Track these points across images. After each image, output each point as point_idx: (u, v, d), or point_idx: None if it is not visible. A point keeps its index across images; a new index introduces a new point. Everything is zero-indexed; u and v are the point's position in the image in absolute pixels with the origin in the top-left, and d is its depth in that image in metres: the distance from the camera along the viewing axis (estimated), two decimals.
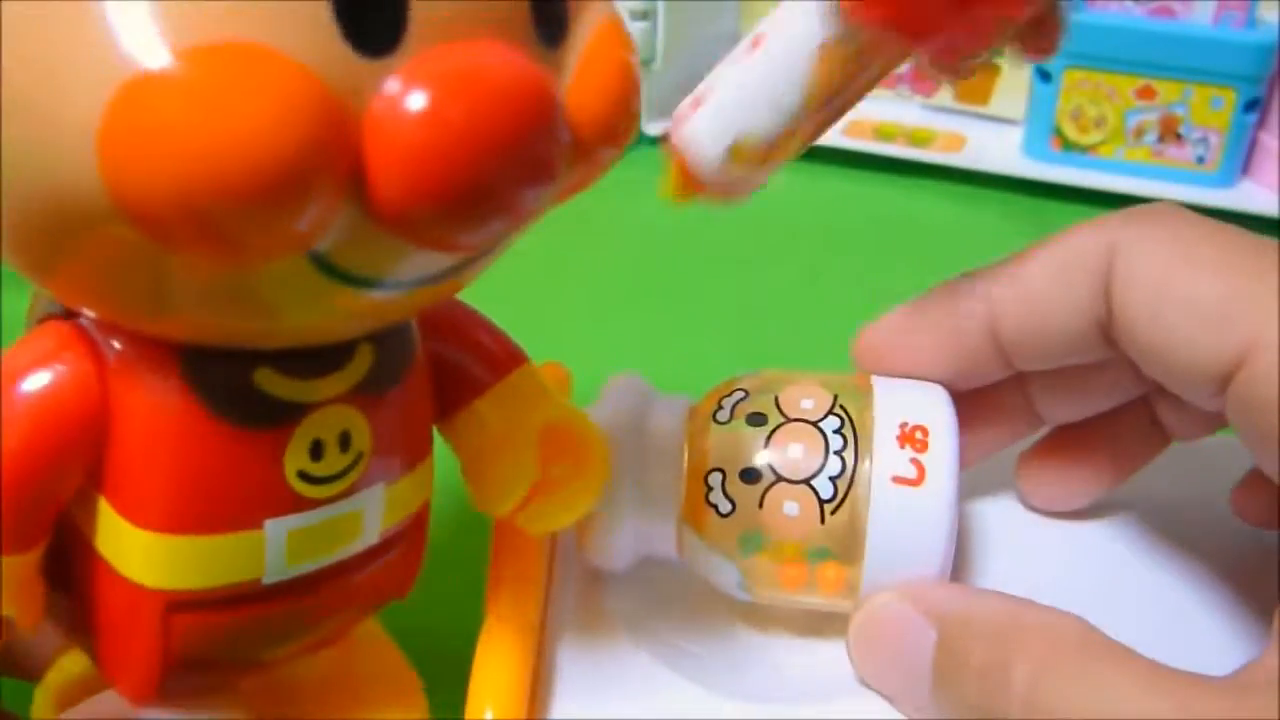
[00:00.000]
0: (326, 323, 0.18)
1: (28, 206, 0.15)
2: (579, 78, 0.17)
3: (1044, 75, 0.56)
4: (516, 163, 0.16)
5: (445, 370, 0.22)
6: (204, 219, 0.14)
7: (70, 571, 0.20)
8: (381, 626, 0.27)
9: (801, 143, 0.25)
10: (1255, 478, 0.27)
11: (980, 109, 0.60)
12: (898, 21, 0.22)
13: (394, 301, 0.18)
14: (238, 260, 0.15)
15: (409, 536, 0.22)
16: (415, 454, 0.21)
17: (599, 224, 0.53)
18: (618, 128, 0.18)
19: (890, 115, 0.61)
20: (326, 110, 0.14)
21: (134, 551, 0.19)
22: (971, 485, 0.29)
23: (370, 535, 0.21)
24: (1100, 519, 0.29)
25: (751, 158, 0.24)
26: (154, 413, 0.18)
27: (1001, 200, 0.56)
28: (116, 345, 0.18)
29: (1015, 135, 0.58)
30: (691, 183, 0.25)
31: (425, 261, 0.17)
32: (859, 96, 0.24)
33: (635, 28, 0.56)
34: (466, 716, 0.23)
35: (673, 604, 0.27)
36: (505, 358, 0.23)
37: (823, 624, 0.26)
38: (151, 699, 0.20)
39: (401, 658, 0.26)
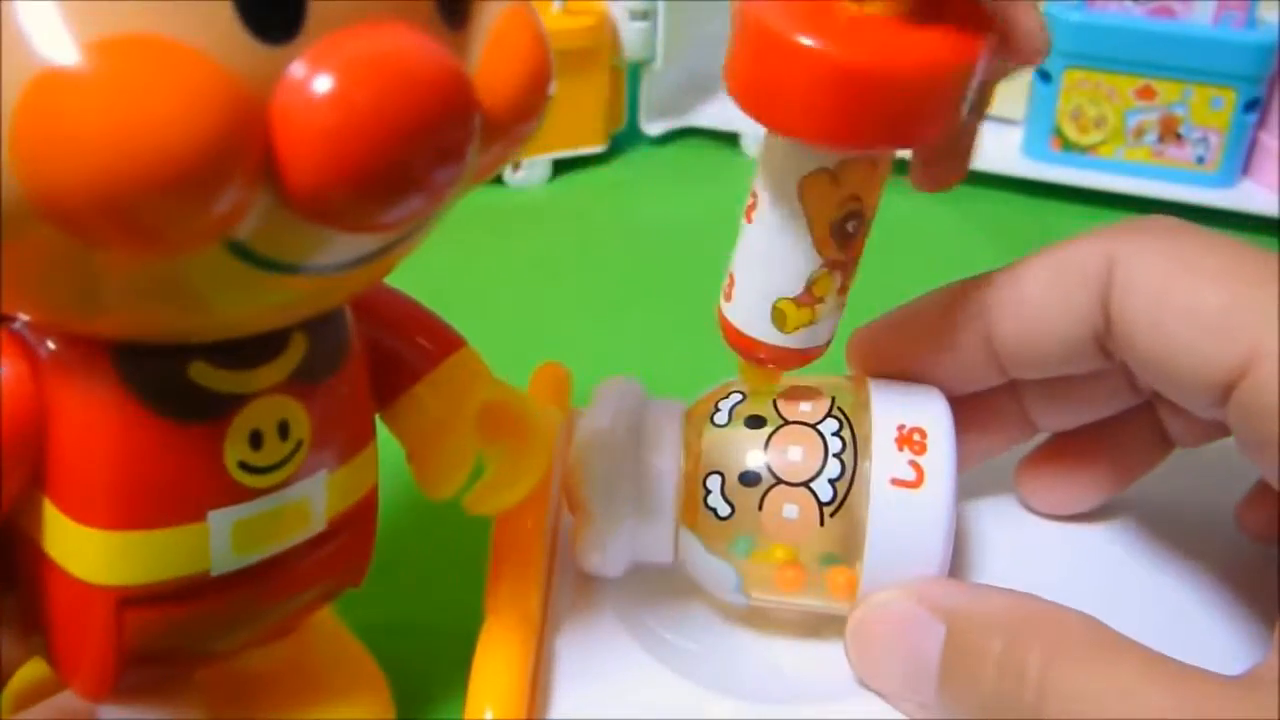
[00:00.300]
0: (256, 312, 0.18)
1: None
2: (487, 59, 0.17)
3: (1044, 75, 0.56)
4: (426, 143, 0.16)
5: (383, 358, 0.23)
6: (118, 212, 0.14)
7: (19, 574, 0.20)
8: (340, 620, 0.27)
9: (842, 273, 0.25)
10: (1260, 493, 0.27)
11: None
12: (831, 137, 0.22)
13: (322, 287, 0.18)
14: (156, 251, 0.15)
15: (357, 523, 0.22)
16: (356, 441, 0.22)
17: (598, 224, 0.53)
18: (528, 106, 0.18)
19: None
20: (232, 98, 0.14)
21: (81, 550, 0.19)
22: (970, 488, 0.29)
23: (317, 523, 0.21)
24: (1100, 522, 0.29)
25: (798, 313, 0.25)
26: (91, 411, 0.18)
27: (1001, 200, 0.56)
28: (50, 346, 0.18)
29: (1015, 135, 0.58)
30: (764, 361, 0.25)
31: (346, 244, 0.17)
32: (869, 209, 0.24)
33: (635, 28, 0.56)
34: (466, 716, 0.23)
35: (671, 603, 0.27)
36: (442, 343, 0.24)
37: (821, 625, 0.26)
38: (108, 696, 0.21)
39: (363, 650, 0.26)
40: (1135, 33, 0.53)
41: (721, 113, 0.61)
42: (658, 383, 0.35)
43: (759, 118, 0.22)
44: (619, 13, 0.56)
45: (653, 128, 0.60)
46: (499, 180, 0.54)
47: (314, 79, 0.15)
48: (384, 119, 0.15)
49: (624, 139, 0.60)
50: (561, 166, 0.56)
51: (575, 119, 0.56)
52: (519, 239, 0.50)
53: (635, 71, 0.59)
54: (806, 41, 0.21)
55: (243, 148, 0.15)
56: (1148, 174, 0.55)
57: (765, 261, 0.25)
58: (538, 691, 0.25)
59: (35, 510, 0.19)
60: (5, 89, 0.14)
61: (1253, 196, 0.54)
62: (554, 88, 0.18)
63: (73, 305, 0.17)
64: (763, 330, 0.25)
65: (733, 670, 0.26)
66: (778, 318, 0.25)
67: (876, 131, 0.22)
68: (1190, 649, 0.20)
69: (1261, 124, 0.54)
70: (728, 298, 0.26)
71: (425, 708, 0.27)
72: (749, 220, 0.25)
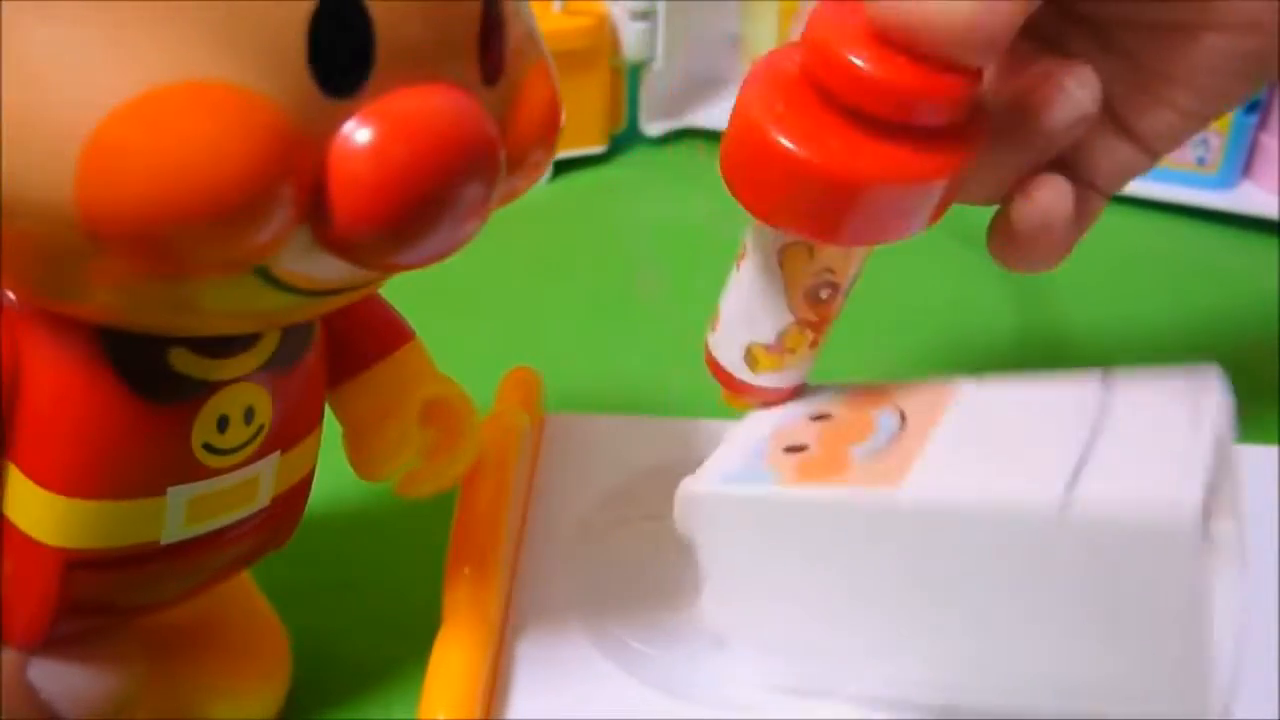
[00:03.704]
0: (246, 322, 0.19)
1: None
2: (511, 115, 0.19)
3: None
4: (453, 197, 0.17)
5: (338, 343, 0.24)
6: (163, 240, 0.15)
7: None
8: (249, 578, 0.27)
9: (814, 331, 0.26)
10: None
11: None
12: (800, 228, 0.24)
13: (322, 301, 0.19)
14: (183, 274, 0.16)
15: (295, 497, 0.23)
16: (310, 423, 0.23)
17: (598, 224, 0.53)
18: (541, 156, 0.20)
19: None
20: (286, 144, 0.16)
21: (35, 510, 0.20)
22: None
23: (263, 499, 0.22)
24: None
25: (768, 359, 0.26)
26: (66, 378, 0.19)
27: None
28: (28, 307, 0.19)
29: None
30: (736, 392, 0.27)
31: (360, 274, 0.18)
32: (844, 279, 0.26)
33: (635, 28, 0.56)
34: (420, 718, 0.23)
35: (634, 609, 0.28)
36: (395, 334, 0.25)
37: None
38: (37, 645, 0.21)
39: (267, 607, 0.27)
40: None
41: (721, 113, 0.60)
42: (657, 383, 0.35)
43: (738, 197, 0.24)
44: (619, 13, 0.56)
45: (653, 128, 0.60)
46: None
47: (358, 131, 0.16)
48: (416, 173, 0.16)
49: (624, 139, 0.59)
50: (561, 166, 0.56)
51: (575, 119, 0.56)
52: (519, 239, 0.50)
53: (635, 72, 0.59)
54: (777, 137, 0.22)
55: (292, 190, 0.16)
56: (1147, 175, 0.55)
57: (746, 308, 0.26)
58: (495, 695, 0.25)
59: None
60: (79, 121, 0.15)
61: (1253, 198, 0.54)
62: (563, 122, 0.20)
63: (51, 291, 0.17)
64: (736, 366, 0.27)
65: (694, 676, 0.26)
66: (750, 359, 0.26)
67: (842, 230, 0.23)
68: None
69: (1262, 125, 0.54)
70: (713, 329, 0.27)
71: (385, 707, 0.27)
72: (738, 267, 0.27)
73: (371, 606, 0.29)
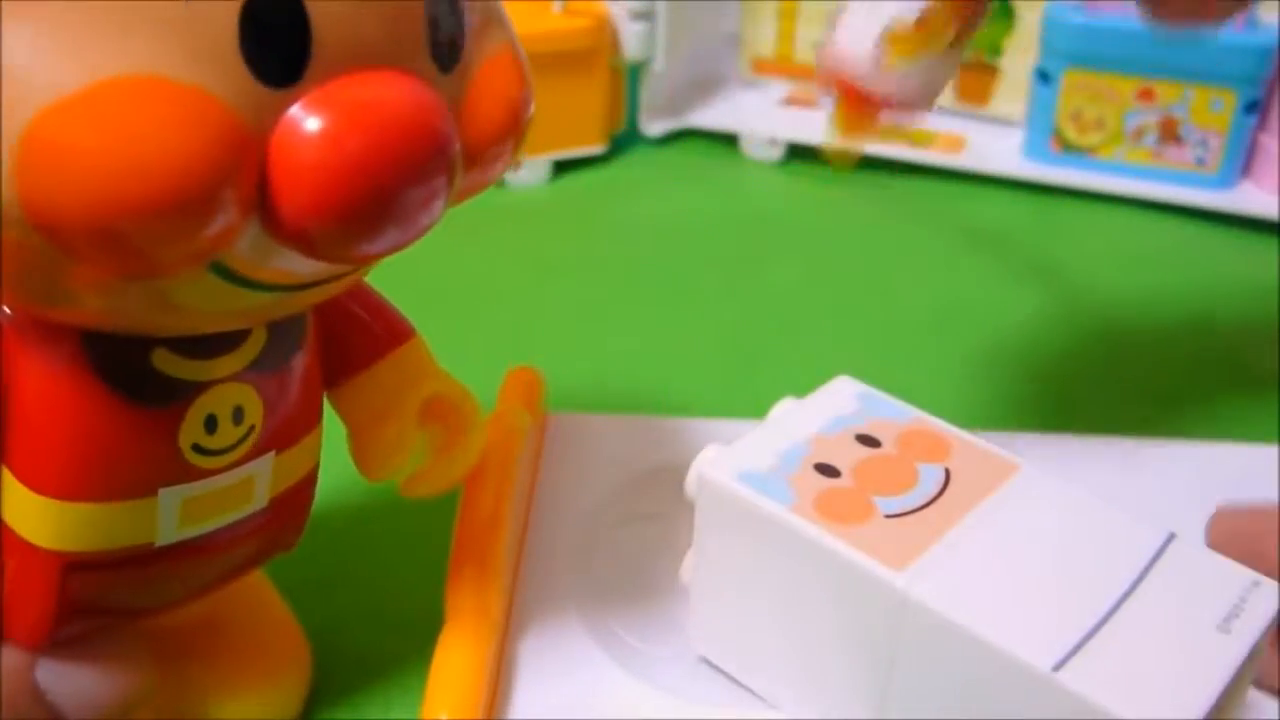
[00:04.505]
0: (225, 318, 0.19)
1: None
2: (470, 103, 0.19)
3: (1044, 77, 0.56)
4: (409, 187, 0.17)
5: (336, 342, 0.23)
6: (112, 236, 0.15)
7: None
8: (267, 578, 0.27)
9: (958, 24, 0.25)
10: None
11: (980, 110, 0.60)
12: None
13: (294, 298, 0.19)
14: (143, 273, 0.16)
15: (296, 498, 0.23)
16: (305, 424, 0.22)
17: (598, 224, 0.53)
18: (504, 149, 0.19)
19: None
20: (228, 134, 0.15)
21: (30, 514, 0.20)
22: None
23: (260, 500, 0.22)
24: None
25: (907, 43, 0.25)
26: (52, 384, 0.19)
27: (1001, 202, 0.56)
28: (10, 311, 0.19)
29: (1015, 136, 0.58)
30: (860, 103, 0.26)
31: (323, 267, 0.18)
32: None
33: (635, 28, 0.56)
34: (422, 717, 0.23)
35: (636, 608, 0.28)
36: (394, 332, 0.25)
37: None
38: (42, 645, 0.21)
39: (283, 607, 0.27)
40: (1135, 34, 0.53)
41: (721, 113, 0.61)
42: (657, 383, 0.35)
43: None
44: (619, 13, 0.56)
45: (653, 128, 0.60)
46: (499, 181, 0.54)
47: (307, 120, 0.16)
48: (371, 162, 0.16)
49: (624, 139, 0.59)
50: (561, 167, 0.56)
51: (575, 120, 0.56)
52: (519, 239, 0.50)
53: (635, 72, 0.59)
54: None
55: (234, 181, 0.16)
56: (1147, 175, 0.55)
57: None
58: (497, 694, 0.25)
59: None
60: (13, 117, 0.15)
61: (1252, 198, 0.54)
62: (531, 112, 0.20)
63: (41, 299, 0.17)
64: (866, 60, 0.25)
65: (694, 676, 0.26)
66: (887, 44, 0.25)
67: None
68: None
69: (1261, 126, 0.54)
70: (835, 29, 0.26)
71: (386, 706, 0.27)
72: None
73: (374, 605, 0.29)
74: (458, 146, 0.17)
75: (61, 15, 0.15)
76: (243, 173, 0.16)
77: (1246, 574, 0.22)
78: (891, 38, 0.25)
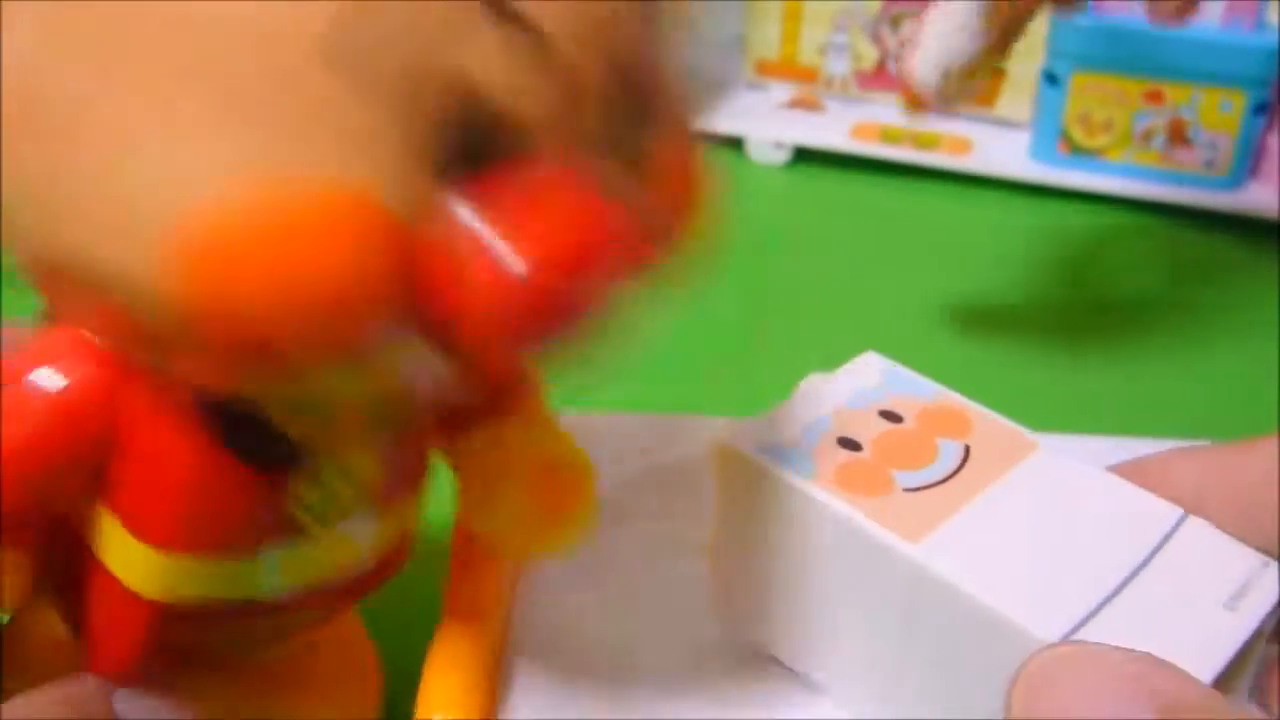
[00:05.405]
0: (351, 401, 0.19)
1: (89, 270, 0.15)
2: (654, 188, 0.18)
3: (1052, 79, 0.55)
4: (590, 307, 0.16)
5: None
6: (268, 342, 0.15)
7: (69, 565, 0.20)
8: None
9: (992, 61, 0.35)
10: None
11: (987, 112, 0.60)
12: None
13: None
14: (282, 376, 0.16)
15: (398, 555, 0.23)
16: (412, 483, 0.22)
17: None
18: (681, 229, 0.19)
19: (896, 119, 0.60)
20: (395, 246, 0.14)
21: (131, 560, 0.19)
22: None
23: (363, 557, 0.21)
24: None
25: (960, 78, 0.35)
26: (165, 435, 0.18)
27: (1008, 203, 0.55)
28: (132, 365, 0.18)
29: (1022, 139, 0.58)
30: (919, 103, 0.36)
31: None
32: (1027, 16, 0.35)
33: None
34: (418, 717, 0.23)
35: (633, 607, 0.27)
36: (515, 390, 0.24)
37: None
38: (129, 683, 0.21)
39: (362, 633, 0.27)
40: (1143, 36, 0.53)
41: (726, 116, 0.60)
42: (657, 384, 0.35)
43: None
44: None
45: None
46: None
47: (506, 257, 0.15)
48: (562, 304, 0.16)
49: None
50: None
51: None
52: None
53: None
54: None
55: (394, 295, 0.15)
56: (1156, 177, 0.55)
57: (953, 36, 0.34)
58: (494, 695, 0.25)
59: (94, 513, 0.19)
60: (175, 216, 0.14)
61: (1261, 200, 0.54)
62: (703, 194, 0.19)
63: (152, 362, 0.17)
64: (931, 84, 0.35)
65: (694, 676, 0.26)
66: (947, 78, 0.35)
67: None
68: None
69: (1270, 127, 0.54)
70: (909, 48, 0.35)
71: (383, 706, 0.27)
72: None
73: (370, 604, 0.29)
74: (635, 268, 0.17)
75: (237, 117, 0.14)
76: (402, 284, 0.15)
77: (1256, 555, 0.22)
78: (950, 77, 0.34)
